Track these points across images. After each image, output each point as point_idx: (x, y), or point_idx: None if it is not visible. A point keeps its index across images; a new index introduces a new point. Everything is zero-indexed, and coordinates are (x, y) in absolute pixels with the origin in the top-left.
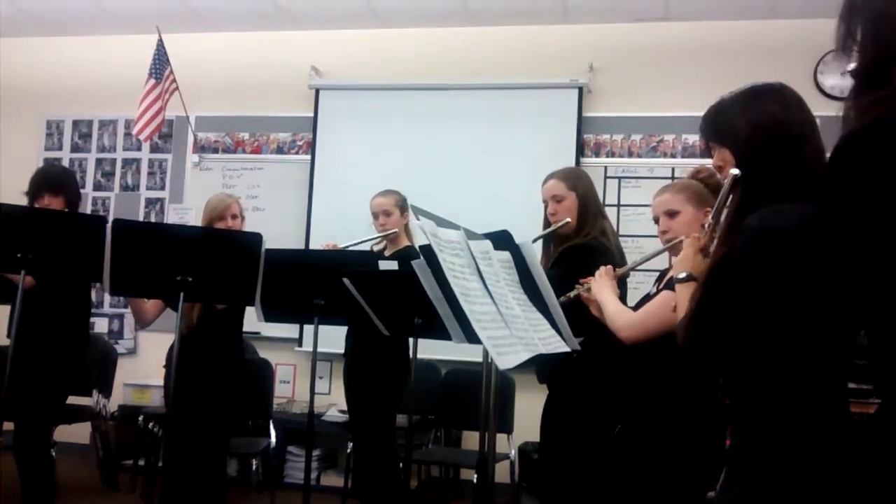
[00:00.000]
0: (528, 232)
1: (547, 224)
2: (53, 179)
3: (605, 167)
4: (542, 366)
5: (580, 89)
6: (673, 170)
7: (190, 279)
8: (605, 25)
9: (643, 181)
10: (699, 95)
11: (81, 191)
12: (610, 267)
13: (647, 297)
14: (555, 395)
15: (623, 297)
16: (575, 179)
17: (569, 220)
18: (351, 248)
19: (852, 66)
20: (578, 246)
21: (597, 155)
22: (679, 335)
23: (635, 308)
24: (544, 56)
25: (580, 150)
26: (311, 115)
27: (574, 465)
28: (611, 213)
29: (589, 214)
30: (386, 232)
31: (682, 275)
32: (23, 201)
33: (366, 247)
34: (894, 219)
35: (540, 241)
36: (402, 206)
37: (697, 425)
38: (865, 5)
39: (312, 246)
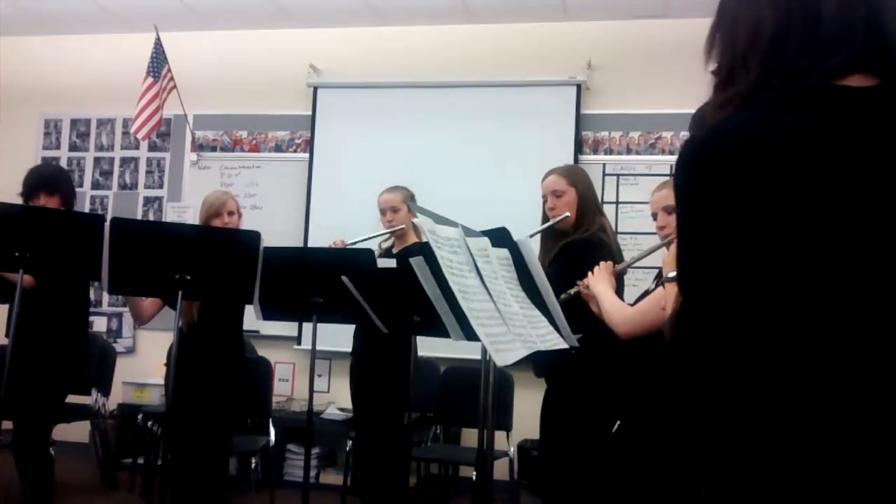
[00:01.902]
0: (527, 229)
1: (545, 220)
2: (48, 179)
3: (604, 164)
4: (538, 361)
5: (578, 86)
6: (671, 167)
7: (188, 278)
8: (604, 23)
9: (641, 178)
10: (698, 93)
11: (80, 189)
12: (609, 262)
13: (647, 294)
14: (554, 391)
15: (619, 293)
16: (574, 176)
17: (568, 214)
18: (359, 245)
19: (712, 67)
20: (577, 242)
21: (595, 152)
22: (666, 332)
23: (635, 304)
24: (543, 53)
25: (578, 148)
26: (310, 113)
27: (574, 461)
28: (609, 210)
29: (588, 210)
30: (393, 228)
31: (672, 274)
32: (19, 201)
33: (374, 243)
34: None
35: (538, 238)
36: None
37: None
38: (726, 12)
39: (321, 243)
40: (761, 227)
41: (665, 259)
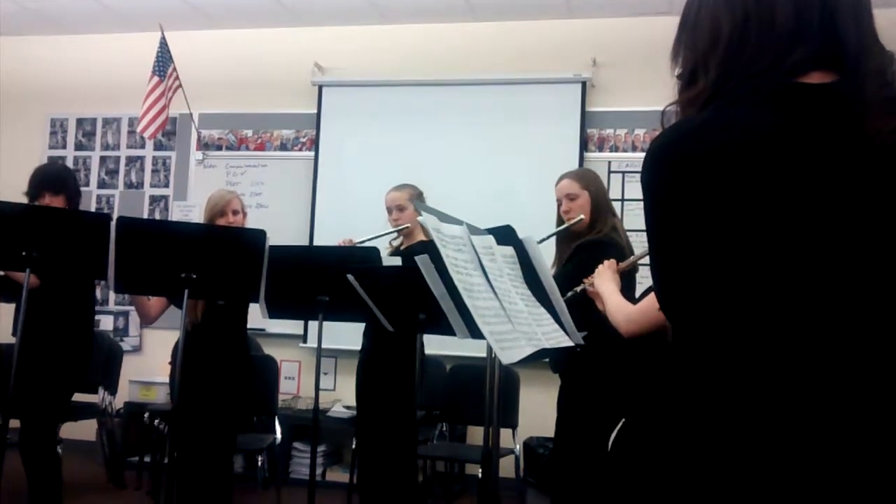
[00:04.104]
0: (533, 227)
1: (560, 222)
2: (53, 178)
3: (609, 162)
4: (556, 356)
5: (583, 84)
6: None
7: (194, 276)
8: (608, 20)
9: None
10: None
11: (86, 188)
12: (613, 261)
13: (650, 291)
14: (570, 388)
15: (632, 291)
16: (587, 179)
17: (583, 216)
18: (367, 244)
19: (678, 71)
20: (589, 242)
21: (600, 150)
22: (668, 331)
23: (640, 299)
24: (547, 51)
25: (584, 145)
26: (315, 111)
27: (587, 459)
28: (614, 206)
29: (601, 212)
30: (399, 227)
31: None
32: (25, 201)
33: (384, 241)
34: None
35: (552, 240)
36: (419, 200)
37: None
38: (688, 18)
39: (326, 242)
40: (720, 225)
41: None
